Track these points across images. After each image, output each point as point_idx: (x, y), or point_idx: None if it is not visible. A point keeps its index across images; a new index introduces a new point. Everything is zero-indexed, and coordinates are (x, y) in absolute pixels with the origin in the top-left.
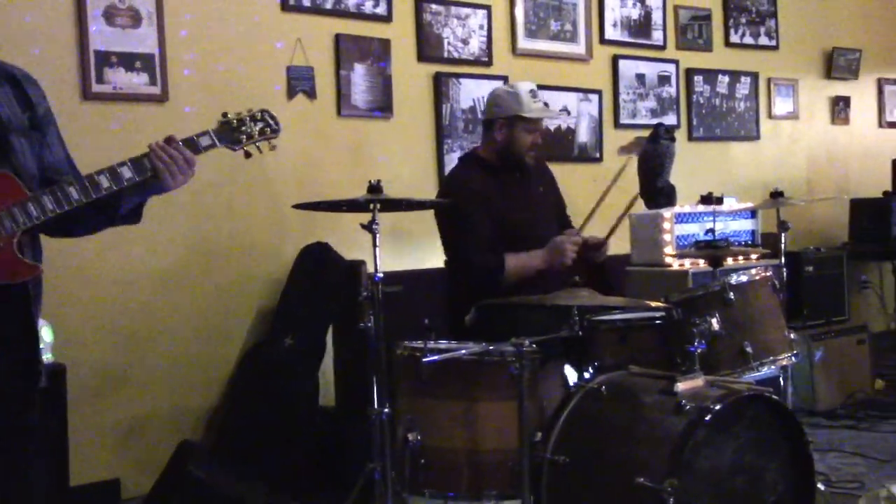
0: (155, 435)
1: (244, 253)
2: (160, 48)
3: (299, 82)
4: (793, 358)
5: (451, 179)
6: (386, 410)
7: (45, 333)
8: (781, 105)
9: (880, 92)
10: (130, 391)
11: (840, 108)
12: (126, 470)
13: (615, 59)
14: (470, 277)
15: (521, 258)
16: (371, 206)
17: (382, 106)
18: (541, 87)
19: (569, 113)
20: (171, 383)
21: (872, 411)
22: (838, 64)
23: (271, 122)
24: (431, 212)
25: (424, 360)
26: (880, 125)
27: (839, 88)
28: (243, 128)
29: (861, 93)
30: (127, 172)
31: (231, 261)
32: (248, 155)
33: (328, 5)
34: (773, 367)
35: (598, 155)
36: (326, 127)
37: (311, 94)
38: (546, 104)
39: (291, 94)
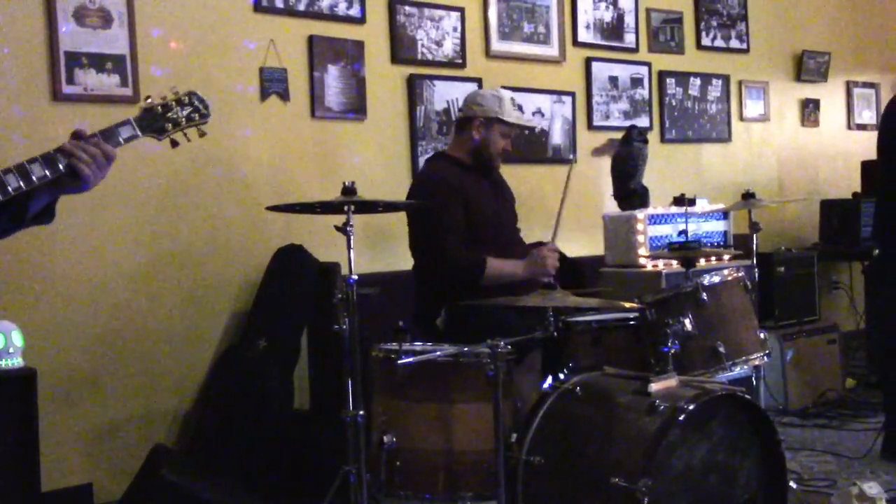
0: (128, 439)
1: (217, 255)
2: (131, 49)
3: (272, 84)
4: (765, 357)
5: (425, 177)
6: (361, 413)
7: (16, 338)
8: (752, 107)
9: (849, 94)
10: (102, 395)
11: (810, 110)
12: (98, 474)
13: (588, 62)
14: (448, 274)
15: (504, 265)
16: (345, 207)
17: (356, 108)
18: (514, 89)
19: (542, 115)
20: (143, 387)
21: (843, 410)
22: (808, 67)
23: (199, 105)
24: (404, 213)
25: (399, 361)
26: (849, 127)
27: (809, 91)
28: (169, 114)
29: (830, 95)
30: (38, 170)
31: (204, 263)
32: (174, 144)
33: (301, 6)
34: (745, 366)
35: (571, 157)
36: (300, 129)
37: (284, 95)
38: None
39: (264, 95)
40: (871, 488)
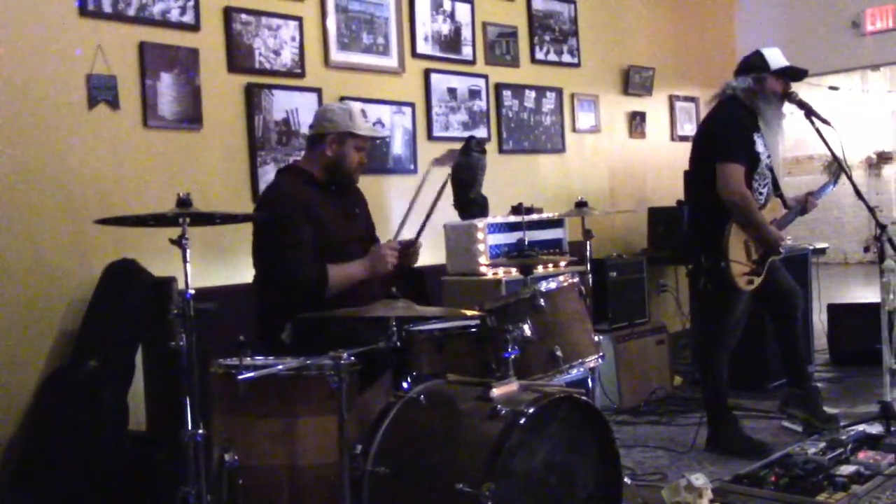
0: None
1: (43, 272)
2: None
3: (101, 91)
4: (599, 359)
5: (273, 190)
6: (200, 432)
7: None
8: (584, 119)
9: (672, 108)
10: None
11: (637, 122)
12: None
13: (427, 73)
14: (293, 291)
15: (344, 268)
16: (180, 220)
17: (191, 117)
18: (355, 99)
19: (383, 125)
20: None
21: (672, 406)
22: (634, 81)
23: None
24: (245, 225)
25: (240, 377)
26: (672, 139)
27: (635, 104)
28: None
29: (655, 108)
30: None
31: (29, 281)
32: None
33: (131, 12)
34: (581, 368)
35: (412, 167)
36: (132, 138)
37: (113, 103)
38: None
39: (92, 103)
40: (698, 479)
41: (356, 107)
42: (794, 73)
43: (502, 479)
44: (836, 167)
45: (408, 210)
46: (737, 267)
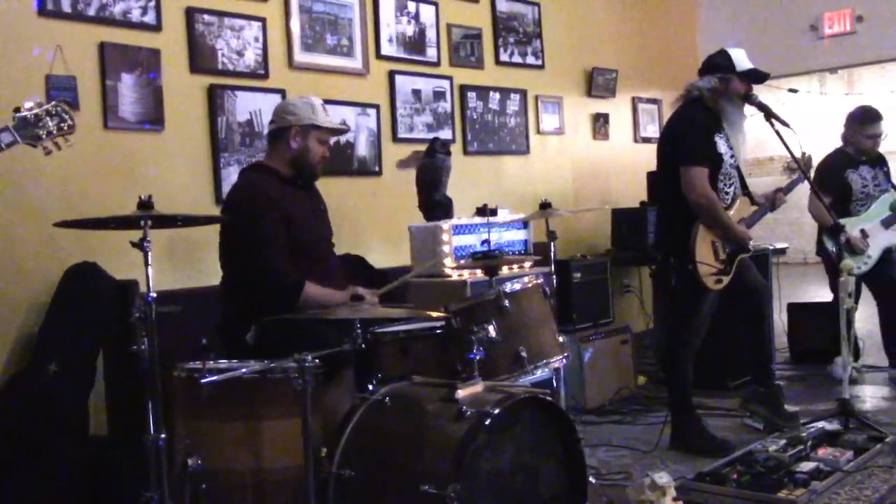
0: None
1: (2, 275)
2: None
3: (60, 92)
4: (564, 360)
5: (243, 187)
6: (162, 436)
7: None
8: (548, 121)
9: (635, 110)
10: None
11: (600, 124)
12: None
13: (392, 75)
14: (270, 289)
15: (322, 293)
16: (142, 222)
17: (153, 118)
18: None
19: (348, 127)
20: None
21: (636, 405)
22: (597, 83)
23: (66, 116)
24: (209, 228)
25: (203, 380)
26: (635, 140)
27: (599, 106)
28: (40, 123)
29: (618, 110)
30: None
31: None
32: (47, 152)
33: (91, 12)
34: (546, 369)
35: (377, 169)
36: (92, 140)
37: (73, 104)
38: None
39: None
40: (661, 478)
41: (318, 100)
42: (758, 76)
43: (468, 480)
44: (803, 163)
45: (409, 276)
46: (704, 267)
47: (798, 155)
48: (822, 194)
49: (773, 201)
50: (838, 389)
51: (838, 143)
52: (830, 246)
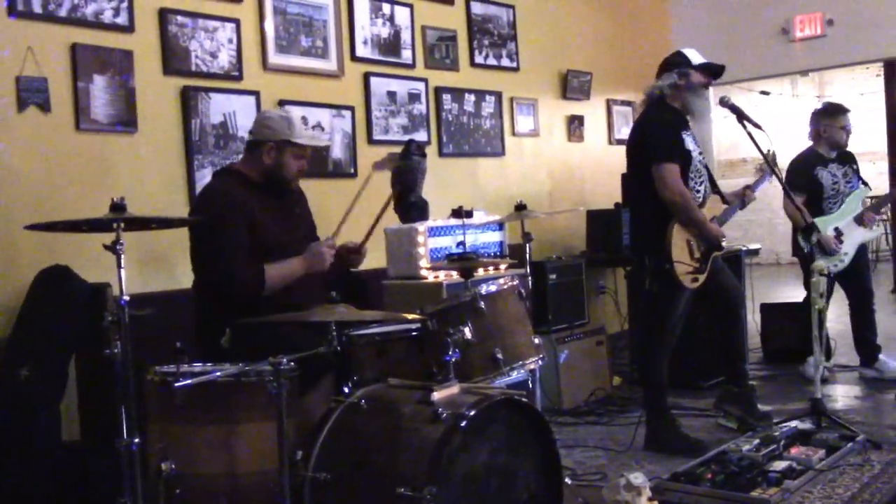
0: None
1: None
2: None
3: (31, 94)
4: (540, 361)
5: (211, 192)
6: (136, 440)
7: None
8: (523, 123)
9: (609, 112)
10: None
11: (575, 126)
12: None
13: (367, 77)
14: (231, 290)
15: (281, 266)
16: (114, 225)
17: (126, 120)
18: (294, 102)
19: (322, 129)
20: None
21: (611, 406)
22: (572, 85)
23: None
24: (183, 230)
25: (177, 384)
26: (610, 142)
27: (574, 108)
28: None
29: (593, 112)
30: None
31: None
32: None
33: (63, 13)
34: (522, 370)
35: (352, 171)
36: (64, 142)
37: (45, 106)
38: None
39: (22, 106)
40: (637, 478)
41: (296, 114)
42: (714, 69)
43: (444, 483)
44: (769, 159)
45: (348, 209)
46: (681, 267)
47: (765, 151)
48: (794, 193)
49: (742, 199)
50: (811, 389)
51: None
52: (805, 246)
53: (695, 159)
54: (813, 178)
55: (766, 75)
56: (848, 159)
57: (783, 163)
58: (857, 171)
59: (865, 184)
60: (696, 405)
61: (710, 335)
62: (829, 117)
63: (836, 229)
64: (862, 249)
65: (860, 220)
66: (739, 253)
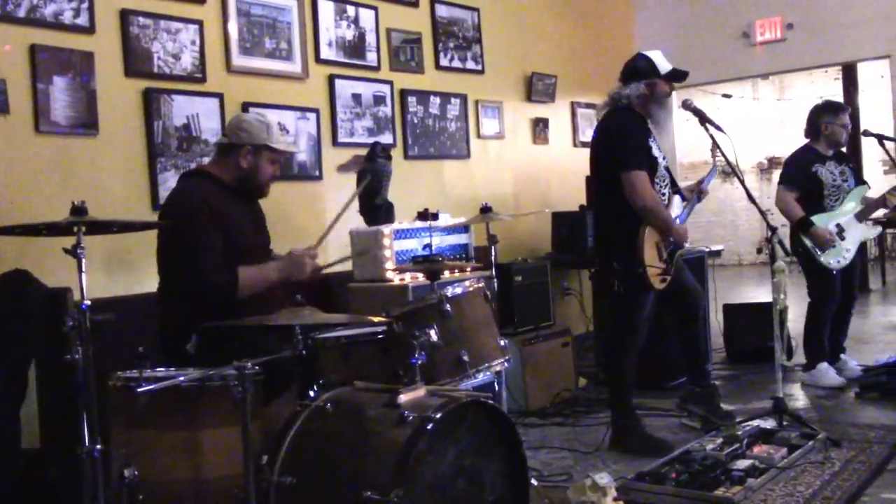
0: None
1: None
2: None
3: None
4: (505, 363)
5: (183, 192)
6: (98, 447)
7: None
8: (489, 126)
9: (573, 114)
10: None
11: (540, 128)
12: None
13: (331, 79)
14: (204, 295)
15: (256, 271)
16: (75, 228)
17: (87, 122)
18: (258, 104)
19: (287, 131)
20: None
21: (577, 407)
22: (537, 88)
23: None
24: (146, 234)
25: (139, 389)
26: (574, 145)
27: (539, 111)
28: None
29: (557, 115)
30: None
31: None
32: None
33: (21, 13)
34: (488, 372)
35: (317, 173)
36: (23, 144)
37: (3, 108)
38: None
39: None
40: (602, 478)
41: (273, 120)
42: (679, 75)
43: (411, 485)
44: (714, 154)
45: (333, 221)
46: (651, 269)
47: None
48: (790, 189)
49: (698, 193)
50: (773, 388)
51: (771, 146)
52: (808, 244)
53: (660, 165)
54: (811, 175)
55: (728, 78)
56: (844, 158)
57: (745, 164)
58: (853, 170)
59: (864, 182)
60: (661, 405)
61: (674, 336)
62: (832, 115)
63: (838, 225)
64: (860, 249)
65: (861, 218)
66: (702, 254)
